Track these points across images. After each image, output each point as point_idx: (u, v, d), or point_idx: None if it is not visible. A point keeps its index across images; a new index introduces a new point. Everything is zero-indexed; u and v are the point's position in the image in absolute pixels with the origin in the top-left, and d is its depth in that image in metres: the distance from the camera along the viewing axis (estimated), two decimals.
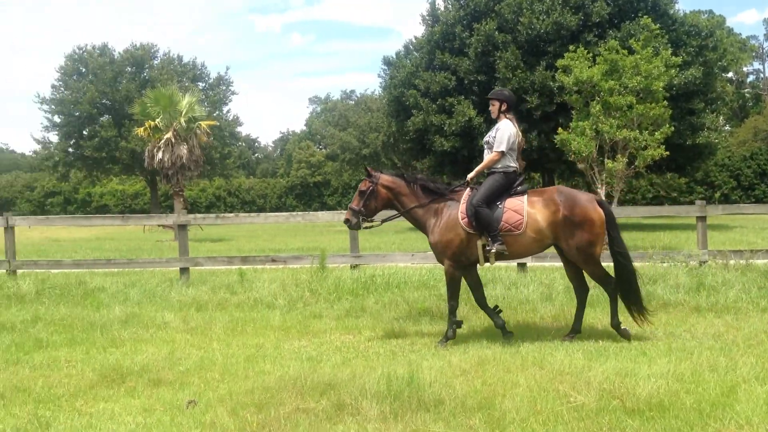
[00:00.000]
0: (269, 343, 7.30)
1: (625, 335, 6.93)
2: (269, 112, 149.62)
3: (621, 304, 7.08)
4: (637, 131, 18.64)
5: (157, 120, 26.73)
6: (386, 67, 36.41)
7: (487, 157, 7.36)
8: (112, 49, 46.58)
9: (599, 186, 19.31)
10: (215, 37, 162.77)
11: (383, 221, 8.07)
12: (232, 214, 12.14)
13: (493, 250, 7.00)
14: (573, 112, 20.56)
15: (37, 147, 50.31)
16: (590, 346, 6.64)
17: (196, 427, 4.64)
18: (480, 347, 6.74)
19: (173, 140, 26.25)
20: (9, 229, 11.65)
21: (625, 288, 7.09)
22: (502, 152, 7.21)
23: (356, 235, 11.12)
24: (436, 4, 33.64)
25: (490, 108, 7.60)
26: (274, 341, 7.37)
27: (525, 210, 7.02)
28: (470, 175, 7.46)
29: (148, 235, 34.09)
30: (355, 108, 59.94)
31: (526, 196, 7.16)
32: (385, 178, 7.53)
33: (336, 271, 10.70)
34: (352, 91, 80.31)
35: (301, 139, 79.63)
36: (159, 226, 33.43)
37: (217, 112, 45.14)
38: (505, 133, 7.25)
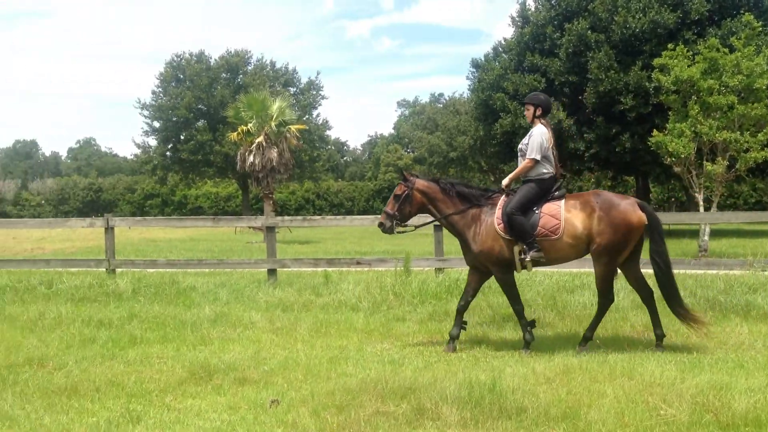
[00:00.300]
0: (352, 345, 7.34)
1: (659, 347, 6.80)
2: (358, 116, 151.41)
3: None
4: (738, 132, 17.80)
5: (249, 124, 27.42)
6: (474, 70, 36.16)
7: (521, 164, 7.32)
8: (208, 56, 48.16)
9: (697, 190, 18.54)
10: (307, 42, 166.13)
11: (417, 227, 8.04)
12: (318, 217, 12.31)
13: (527, 258, 6.95)
14: (670, 113, 19.82)
15: (138, 151, 52.47)
16: (684, 357, 6.36)
17: (278, 426, 4.70)
18: (566, 355, 6.56)
19: (264, 144, 26.87)
20: (109, 230, 12.17)
21: (665, 296, 6.95)
22: (536, 159, 7.14)
23: (441, 239, 11.05)
24: (527, 4, 33.17)
25: (525, 113, 7.54)
26: (356, 343, 7.40)
27: (562, 215, 6.93)
28: (505, 182, 7.44)
29: (239, 237, 35.04)
30: (444, 111, 59.72)
31: (563, 201, 7.06)
32: (420, 183, 7.48)
33: (420, 275, 10.67)
34: (441, 94, 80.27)
35: (389, 142, 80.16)
36: (249, 228, 34.31)
37: (307, 116, 45.94)
38: (537, 139, 7.16)
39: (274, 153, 26.76)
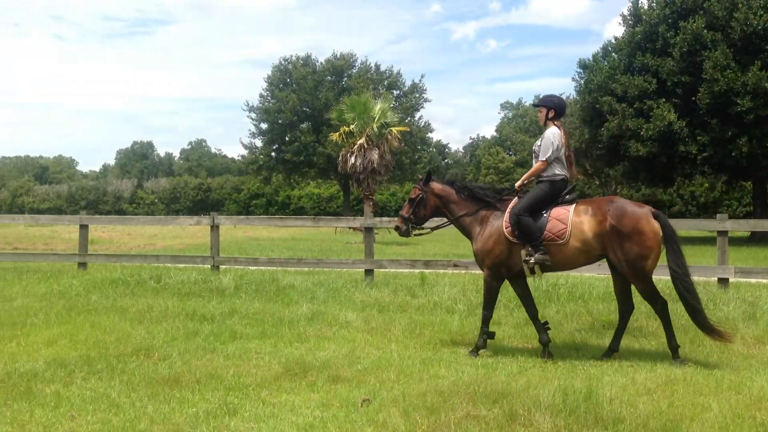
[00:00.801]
0: (446, 347, 7.29)
1: (679, 361, 6.47)
2: (460, 118, 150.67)
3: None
4: None
5: (352, 126, 27.81)
6: (581, 71, 35.29)
7: (534, 165, 7.22)
8: (314, 60, 49.23)
9: None
10: (411, 45, 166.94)
11: (433, 229, 8.09)
12: None
13: (531, 260, 6.84)
14: None
15: (245, 152, 54.19)
16: None
17: (368, 425, 4.71)
18: (668, 366, 6.27)
19: (365, 145, 27.17)
20: (215, 228, 12.60)
21: (685, 306, 6.72)
22: (548, 161, 7.06)
23: None
24: (639, 3, 32.07)
25: (538, 115, 7.49)
26: (450, 346, 7.34)
27: (570, 219, 6.81)
28: (518, 183, 7.41)
29: (340, 237, 35.58)
30: None
31: (573, 206, 6.92)
32: (434, 186, 7.56)
33: None
34: None
35: (490, 145, 79.38)
36: (349, 228, 34.76)
37: (409, 119, 46.16)
38: (549, 140, 7.10)
39: (375, 154, 27.01)
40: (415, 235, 7.82)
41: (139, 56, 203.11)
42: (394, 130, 28.02)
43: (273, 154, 49.36)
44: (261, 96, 48.64)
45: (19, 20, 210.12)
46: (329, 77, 48.11)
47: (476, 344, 7.10)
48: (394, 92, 47.69)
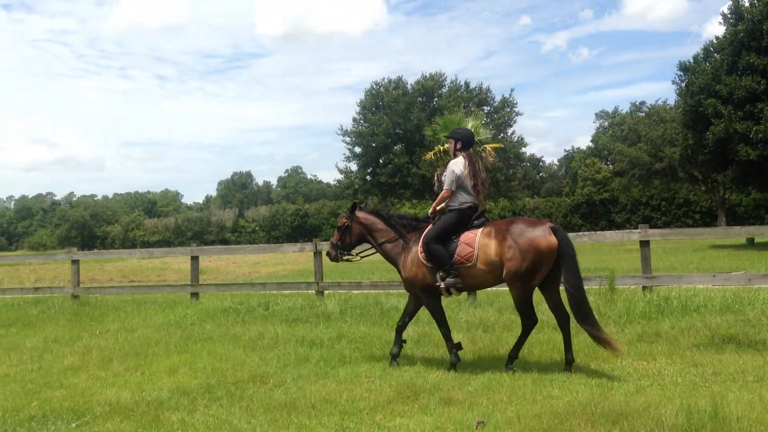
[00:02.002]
0: (557, 366, 7.15)
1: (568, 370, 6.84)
2: (554, 131, 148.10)
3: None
4: None
5: (446, 145, 27.79)
6: (682, 73, 34.11)
7: (440, 194, 7.71)
8: (405, 82, 49.70)
9: None
10: (501, 60, 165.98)
11: (361, 255, 8.51)
12: None
13: (441, 285, 7.28)
14: None
15: (340, 176, 55.14)
16: None
17: None
18: None
19: None
20: (317, 254, 12.86)
21: (577, 317, 6.95)
22: (451, 190, 7.54)
23: (648, 254, 10.49)
24: (740, 0, 30.76)
25: (449, 146, 8.01)
26: (561, 365, 7.20)
27: (477, 242, 7.21)
28: (430, 211, 7.90)
29: None
30: (646, 120, 56.67)
31: (481, 229, 7.32)
32: (359, 215, 8.12)
33: (625, 293, 10.18)
34: (642, 103, 76.12)
35: (586, 156, 77.58)
36: None
37: (501, 135, 45.81)
38: (452, 171, 7.58)
39: None
40: (344, 260, 8.35)
41: (236, 90, 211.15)
42: (488, 147, 27.80)
43: (368, 177, 50.03)
44: (354, 120, 49.56)
45: (124, 64, 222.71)
46: (420, 98, 48.43)
47: (450, 362, 7.34)
48: (485, 109, 47.51)
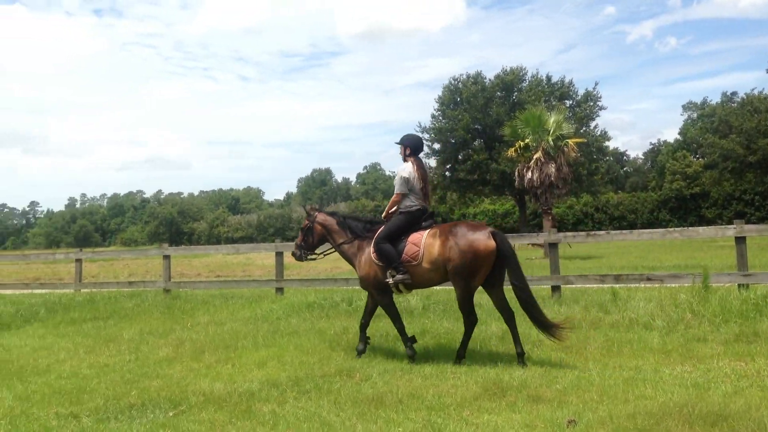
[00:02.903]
0: (648, 366, 6.97)
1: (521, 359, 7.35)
2: (639, 124, 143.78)
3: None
4: None
5: (527, 140, 27.46)
6: None
7: (392, 198, 8.20)
8: (484, 77, 49.17)
9: None
10: (582, 52, 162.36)
11: (324, 254, 9.03)
12: (603, 232, 11.87)
13: (390, 281, 7.79)
14: None
15: None
16: None
17: None
18: None
19: (542, 159, 26.70)
20: None
21: (528, 315, 7.52)
22: (401, 194, 8.04)
23: (744, 251, 10.09)
24: None
25: (399, 152, 8.36)
26: (653, 364, 7.01)
27: (422, 243, 7.71)
28: (384, 214, 8.36)
29: (518, 253, 35.03)
30: (739, 111, 54.22)
31: (428, 231, 7.82)
32: (319, 217, 8.74)
33: (720, 291, 9.81)
34: (734, 93, 72.88)
35: (674, 149, 74.99)
36: (528, 244, 34.18)
37: (584, 129, 44.76)
38: (400, 176, 8.06)
39: (552, 168, 26.46)
40: (308, 259, 8.85)
41: (315, 88, 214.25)
42: (571, 141, 27.30)
43: (446, 173, 49.72)
44: (433, 116, 49.24)
45: (208, 65, 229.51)
46: (499, 93, 47.75)
47: (407, 354, 7.88)
48: (567, 102, 46.47)
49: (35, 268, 37.50)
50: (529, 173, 26.84)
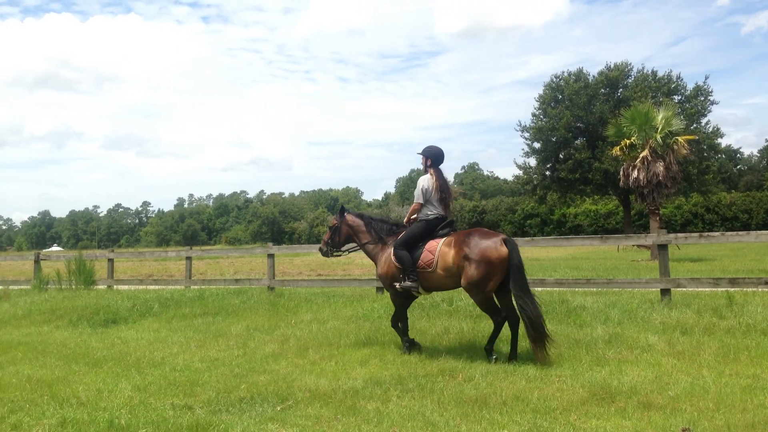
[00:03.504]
0: (767, 374, 6.60)
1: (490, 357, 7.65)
2: (755, 119, 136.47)
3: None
4: None
5: (633, 138, 26.55)
6: None
7: (411, 206, 8.70)
8: (586, 74, 47.99)
9: None
10: (692, 45, 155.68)
11: (349, 252, 9.53)
12: (717, 233, 11.30)
13: (397, 285, 8.27)
14: None
15: (519, 172, 54.34)
16: None
17: None
18: None
19: (649, 158, 25.75)
20: None
21: (525, 324, 7.52)
22: (419, 203, 8.50)
23: None
24: None
25: (421, 162, 8.85)
26: None
27: (437, 251, 8.06)
28: (405, 220, 8.86)
29: (622, 255, 34.02)
30: None
31: (444, 239, 8.17)
32: (347, 218, 9.24)
33: None
34: None
35: None
36: (634, 246, 33.09)
37: (694, 125, 42.91)
38: (419, 186, 8.55)
39: (660, 167, 25.46)
40: (334, 255, 9.40)
41: (413, 88, 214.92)
42: (681, 139, 26.17)
43: (547, 172, 48.86)
44: (533, 115, 48.53)
45: (309, 68, 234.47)
46: (603, 90, 46.50)
47: (402, 348, 8.46)
48: (675, 98, 44.69)
49: (148, 265, 39.43)
50: (635, 172, 25.93)
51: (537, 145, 48.54)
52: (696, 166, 41.85)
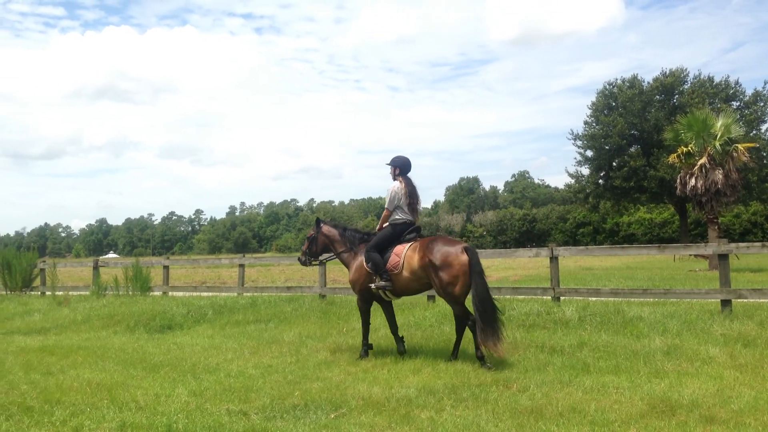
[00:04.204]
0: None
1: (481, 360, 8.09)
2: None
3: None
4: None
5: (690, 145, 25.92)
6: None
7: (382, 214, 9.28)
8: (641, 81, 47.08)
9: None
10: (751, 50, 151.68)
11: (326, 260, 10.34)
12: None
13: (373, 286, 8.87)
14: None
15: (571, 181, 53.50)
16: None
17: None
18: None
19: (707, 165, 25.10)
20: (554, 259, 12.60)
21: (482, 322, 7.95)
22: (389, 210, 9.11)
23: None
24: None
25: (390, 172, 9.37)
26: None
27: (404, 254, 8.68)
28: (377, 227, 9.43)
29: (678, 264, 33.23)
30: None
31: (410, 243, 8.78)
32: (324, 228, 9.78)
33: None
34: None
35: None
36: (690, 255, 32.29)
37: (753, 132, 41.65)
38: (390, 193, 9.13)
39: (719, 174, 24.79)
40: (312, 264, 9.96)
41: (463, 96, 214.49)
42: (740, 146, 25.42)
43: (600, 181, 47.96)
44: (585, 123, 47.69)
45: (359, 77, 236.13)
46: (658, 96, 45.46)
47: (360, 354, 9.03)
48: (734, 104, 43.47)
49: (201, 272, 40.08)
50: (693, 180, 25.30)
51: (590, 153, 47.67)
52: (756, 174, 40.54)
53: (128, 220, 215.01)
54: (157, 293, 18.10)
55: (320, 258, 10.04)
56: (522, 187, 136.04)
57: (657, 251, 12.53)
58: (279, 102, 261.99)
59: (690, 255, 32.75)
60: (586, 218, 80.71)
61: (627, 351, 8.46)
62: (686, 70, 46.61)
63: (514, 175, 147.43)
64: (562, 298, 12.56)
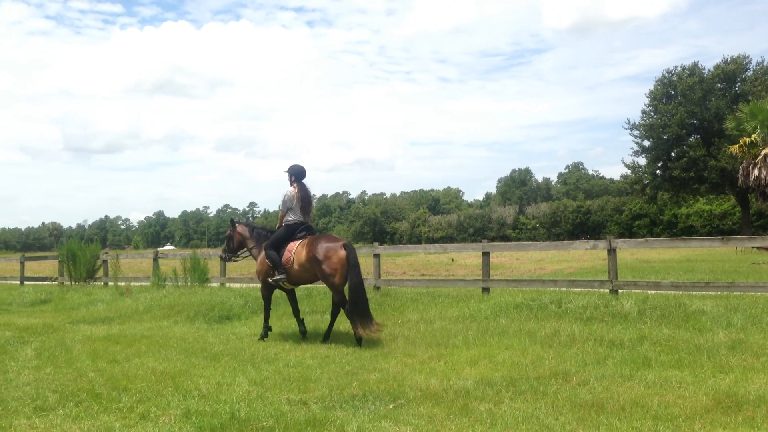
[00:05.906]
0: None
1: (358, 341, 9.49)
2: None
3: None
4: None
5: (753, 135, 25.15)
6: None
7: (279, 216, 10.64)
8: (701, 68, 45.89)
9: None
10: None
11: (244, 257, 11.54)
12: None
13: (270, 280, 10.31)
14: None
15: (626, 171, 52.51)
16: None
17: None
18: None
19: None
20: (611, 252, 12.41)
21: (353, 309, 9.37)
22: (283, 211, 10.40)
23: None
24: None
25: (288, 178, 10.55)
26: None
27: (294, 250, 10.01)
28: (277, 226, 10.64)
29: (740, 257, 32.32)
30: None
31: (299, 241, 10.08)
32: (238, 228, 11.37)
33: None
34: None
35: None
36: (753, 248, 31.37)
37: None
38: (284, 197, 10.36)
39: None
40: (231, 260, 11.56)
41: (516, 87, 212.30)
42: None
43: (658, 171, 46.97)
44: (643, 112, 46.73)
45: (410, 68, 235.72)
46: (719, 84, 44.29)
47: (261, 335, 10.46)
48: None
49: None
50: (756, 170, 24.55)
51: (647, 143, 46.78)
52: None
53: (184, 213, 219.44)
54: (214, 284, 18.45)
55: (238, 254, 11.44)
56: (576, 179, 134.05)
57: (720, 243, 12.24)
58: (330, 95, 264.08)
59: (753, 248, 31.79)
60: (643, 210, 79.08)
61: (690, 345, 8.29)
62: (749, 57, 45.35)
63: (567, 167, 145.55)
64: (620, 291, 12.40)
